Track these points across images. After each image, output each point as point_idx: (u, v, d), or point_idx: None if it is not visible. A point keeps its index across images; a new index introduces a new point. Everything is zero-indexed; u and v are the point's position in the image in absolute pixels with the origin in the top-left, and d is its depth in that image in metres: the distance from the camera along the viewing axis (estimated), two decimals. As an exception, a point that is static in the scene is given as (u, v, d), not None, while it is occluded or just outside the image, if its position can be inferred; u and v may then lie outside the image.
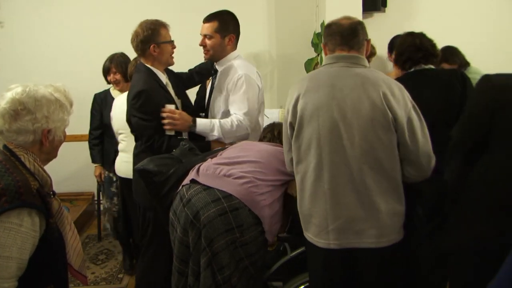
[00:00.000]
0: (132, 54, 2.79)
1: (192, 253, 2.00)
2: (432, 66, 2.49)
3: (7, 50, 4.30)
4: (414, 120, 1.76)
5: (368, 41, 1.92)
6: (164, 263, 2.48)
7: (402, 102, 1.75)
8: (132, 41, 2.52)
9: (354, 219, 1.76)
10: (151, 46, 2.47)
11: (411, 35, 2.54)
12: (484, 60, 4.14)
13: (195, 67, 2.84)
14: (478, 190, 1.75)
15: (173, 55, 2.58)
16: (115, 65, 3.33)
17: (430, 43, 2.50)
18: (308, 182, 1.83)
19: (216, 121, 2.61)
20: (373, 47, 3.01)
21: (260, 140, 2.55)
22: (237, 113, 2.62)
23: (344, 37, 1.84)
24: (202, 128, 2.58)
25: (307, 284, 2.18)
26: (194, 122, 2.56)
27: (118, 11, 4.17)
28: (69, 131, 1.70)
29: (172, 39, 2.56)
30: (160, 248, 2.55)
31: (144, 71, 2.51)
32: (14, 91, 1.53)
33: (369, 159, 1.72)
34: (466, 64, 3.60)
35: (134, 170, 2.40)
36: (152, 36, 2.47)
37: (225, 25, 2.66)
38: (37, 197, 1.46)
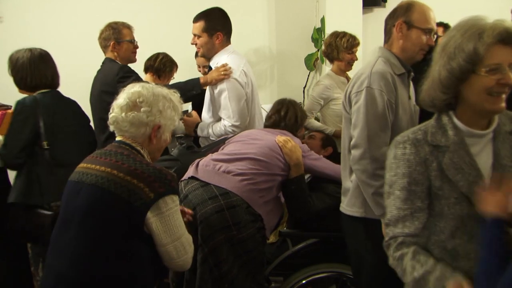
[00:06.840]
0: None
1: None
2: None
3: (7, 46, 4.23)
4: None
5: (396, 25, 1.86)
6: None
7: (356, 84, 1.82)
8: (98, 39, 2.85)
9: None
10: (111, 43, 2.77)
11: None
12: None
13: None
14: None
15: (135, 54, 2.87)
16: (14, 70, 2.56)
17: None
18: None
19: (210, 126, 2.73)
20: None
21: (267, 119, 2.51)
22: (225, 118, 2.65)
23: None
24: (200, 131, 2.77)
25: (309, 279, 2.20)
26: (197, 126, 2.77)
27: (119, 7, 4.16)
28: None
29: (133, 39, 2.83)
30: None
31: (112, 61, 2.78)
32: (132, 87, 1.61)
33: None
34: None
35: None
36: (112, 35, 2.78)
37: (211, 24, 2.68)
38: (176, 184, 1.59)
